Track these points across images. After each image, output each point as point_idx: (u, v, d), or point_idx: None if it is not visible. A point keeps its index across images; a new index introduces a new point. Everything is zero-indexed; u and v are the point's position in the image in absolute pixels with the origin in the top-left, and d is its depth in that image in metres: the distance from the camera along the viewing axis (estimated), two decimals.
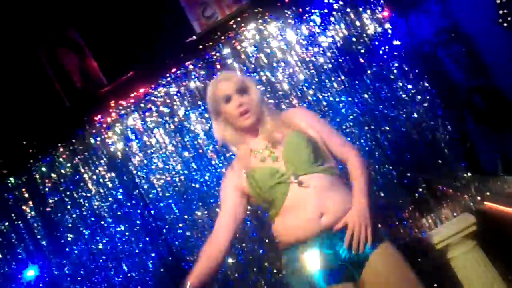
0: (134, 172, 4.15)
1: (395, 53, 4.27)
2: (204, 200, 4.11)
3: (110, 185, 4.16)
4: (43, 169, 4.16)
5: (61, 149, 4.16)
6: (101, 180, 4.13)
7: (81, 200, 4.15)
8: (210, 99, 2.55)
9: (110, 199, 4.15)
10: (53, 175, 4.15)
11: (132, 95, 4.15)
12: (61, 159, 4.17)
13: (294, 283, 2.31)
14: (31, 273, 4.13)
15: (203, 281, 2.32)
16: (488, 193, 3.96)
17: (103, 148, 4.17)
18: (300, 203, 2.32)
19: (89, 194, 4.14)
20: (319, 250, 2.26)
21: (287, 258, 2.37)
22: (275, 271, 4.01)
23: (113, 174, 4.17)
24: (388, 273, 2.24)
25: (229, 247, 2.41)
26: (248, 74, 4.11)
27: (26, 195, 4.17)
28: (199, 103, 4.15)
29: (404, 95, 4.27)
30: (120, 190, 4.16)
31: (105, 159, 4.17)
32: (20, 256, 4.16)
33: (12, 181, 4.16)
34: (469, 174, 4.12)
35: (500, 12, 4.03)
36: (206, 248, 2.42)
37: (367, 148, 4.11)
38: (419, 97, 4.26)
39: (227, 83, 2.50)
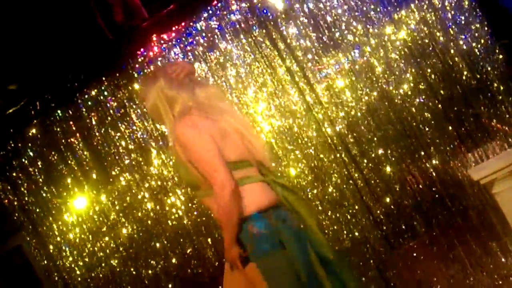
0: None
1: None
2: None
3: None
4: (89, 102, 4.23)
5: (106, 83, 4.21)
6: (146, 114, 4.18)
7: (126, 133, 4.23)
8: None
9: (154, 132, 4.21)
10: (99, 108, 4.23)
11: (173, 28, 4.12)
12: (106, 93, 4.22)
13: None
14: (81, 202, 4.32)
15: None
16: None
17: None
18: None
19: (134, 127, 4.21)
20: None
21: None
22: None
23: None
24: None
25: None
26: (290, 5, 4.02)
27: (74, 128, 4.27)
28: (241, 36, 4.10)
29: (453, 25, 4.11)
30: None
31: None
32: (69, 187, 4.32)
33: (60, 114, 4.26)
34: None
35: None
36: None
37: (411, 79, 4.02)
38: (469, 26, 4.10)
39: None
